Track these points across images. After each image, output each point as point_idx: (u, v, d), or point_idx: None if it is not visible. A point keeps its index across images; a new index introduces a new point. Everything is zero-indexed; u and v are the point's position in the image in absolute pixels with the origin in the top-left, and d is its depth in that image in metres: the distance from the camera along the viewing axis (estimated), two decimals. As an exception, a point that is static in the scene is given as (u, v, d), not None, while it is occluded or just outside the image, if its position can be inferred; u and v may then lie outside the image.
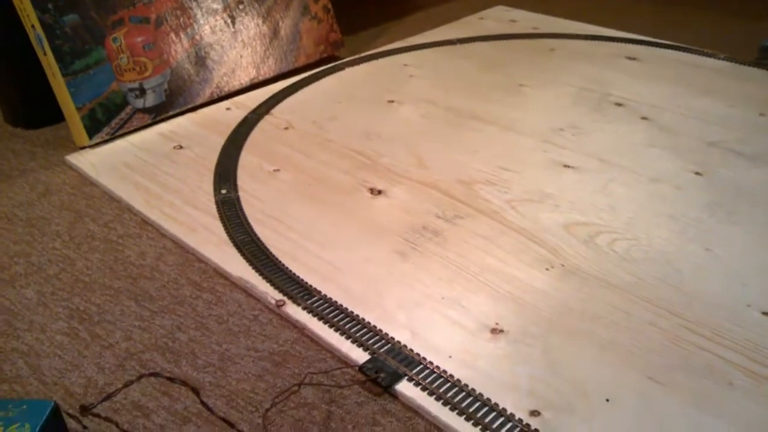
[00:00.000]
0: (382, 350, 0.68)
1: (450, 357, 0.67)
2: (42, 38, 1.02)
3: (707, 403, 0.62)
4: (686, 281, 0.77)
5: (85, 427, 0.61)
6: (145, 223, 0.91)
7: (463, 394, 0.63)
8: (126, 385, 0.63)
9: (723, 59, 1.39)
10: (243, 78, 1.26)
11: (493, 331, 0.71)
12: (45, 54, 1.03)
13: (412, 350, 0.68)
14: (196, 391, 0.62)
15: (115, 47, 1.09)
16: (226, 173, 1.00)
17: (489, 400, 0.62)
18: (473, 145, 1.07)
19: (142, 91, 1.13)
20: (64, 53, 1.04)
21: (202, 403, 0.61)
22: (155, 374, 0.65)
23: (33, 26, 1.02)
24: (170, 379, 0.64)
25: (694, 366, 0.66)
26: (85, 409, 0.59)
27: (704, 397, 0.63)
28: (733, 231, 0.86)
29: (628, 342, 0.69)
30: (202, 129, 1.13)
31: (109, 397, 0.61)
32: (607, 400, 0.63)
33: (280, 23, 1.33)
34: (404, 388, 0.64)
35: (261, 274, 0.79)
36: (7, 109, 1.20)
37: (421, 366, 0.66)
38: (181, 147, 1.08)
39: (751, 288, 0.77)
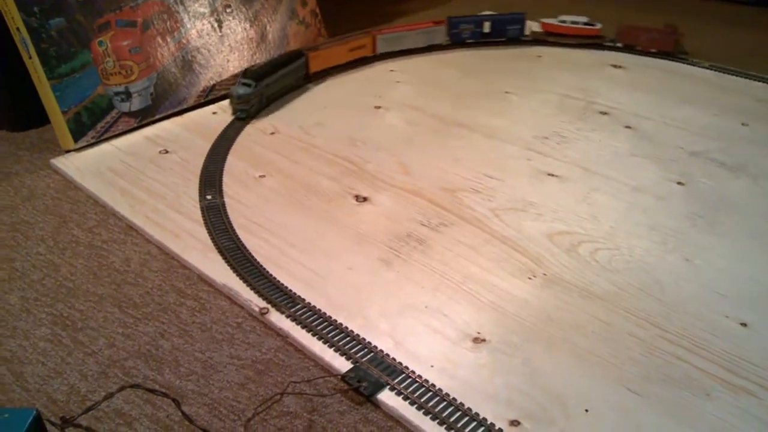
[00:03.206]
0: (364, 359, 0.69)
1: (432, 366, 0.68)
2: (27, 42, 1.02)
3: (685, 414, 0.63)
4: (666, 292, 0.78)
5: (67, 436, 0.61)
6: (130, 228, 0.91)
7: (444, 403, 0.64)
8: (106, 397, 0.63)
9: (707, 68, 1.40)
10: (230, 82, 1.26)
11: (475, 340, 0.71)
12: (30, 57, 1.03)
13: (394, 359, 0.69)
14: (177, 402, 0.62)
15: (101, 51, 1.09)
16: (211, 178, 1.00)
17: (469, 409, 0.63)
18: (458, 152, 1.08)
19: (128, 95, 1.12)
20: (50, 57, 1.04)
21: (183, 414, 0.61)
22: (136, 385, 0.65)
23: (18, 29, 1.01)
24: (151, 391, 0.64)
25: (673, 377, 0.67)
26: (65, 421, 0.59)
27: (682, 408, 0.64)
28: (714, 242, 0.87)
29: (607, 352, 0.70)
30: (188, 133, 1.13)
31: (89, 409, 0.61)
32: (586, 411, 0.63)
33: (268, 27, 1.33)
34: (386, 397, 0.65)
35: (245, 281, 0.80)
36: (-9, 111, 1.19)
37: (403, 375, 0.67)
38: (166, 151, 1.08)
39: (730, 299, 0.78)
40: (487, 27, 1.44)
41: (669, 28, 1.47)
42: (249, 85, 1.16)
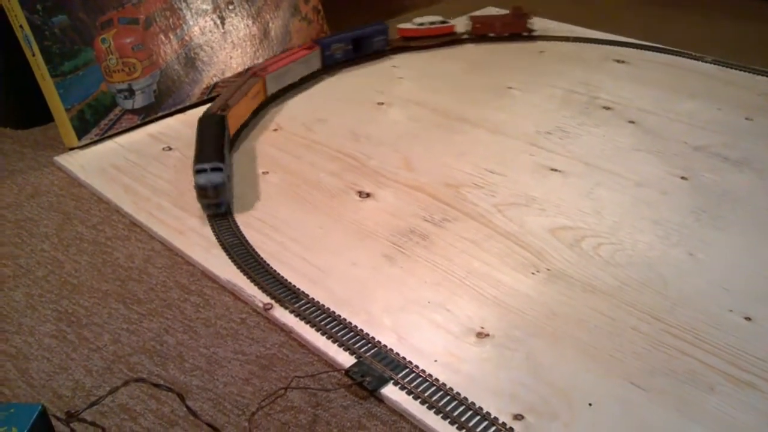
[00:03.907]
0: (368, 354, 0.69)
1: (435, 361, 0.68)
2: (30, 39, 1.02)
3: (689, 409, 0.63)
4: (669, 286, 0.78)
5: (73, 431, 0.61)
6: (134, 225, 0.92)
7: (448, 397, 0.64)
8: (111, 391, 0.64)
9: (710, 62, 1.40)
10: (233, 80, 1.26)
11: (479, 335, 0.71)
12: (34, 55, 1.03)
13: (398, 354, 0.69)
14: (181, 397, 0.62)
15: (104, 48, 1.09)
16: (214, 175, 1.00)
17: (473, 403, 0.63)
18: (461, 147, 1.08)
19: (131, 92, 1.13)
20: (53, 54, 1.04)
21: (188, 408, 0.62)
22: (141, 380, 0.66)
23: (21, 27, 1.02)
24: (156, 385, 0.64)
25: (676, 371, 0.67)
26: (71, 416, 0.60)
27: (686, 402, 0.64)
28: (717, 236, 0.87)
29: (611, 346, 0.70)
30: (192, 130, 1.12)
31: (94, 404, 0.62)
32: (590, 405, 0.63)
33: (270, 24, 1.33)
34: (390, 391, 0.65)
35: (249, 277, 0.80)
36: (-5, 109, 1.20)
37: (407, 370, 0.67)
38: (170, 148, 1.08)
39: (734, 293, 0.78)
40: (354, 44, 1.38)
41: (517, 11, 1.52)
42: (221, 169, 0.88)
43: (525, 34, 1.53)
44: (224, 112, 1.03)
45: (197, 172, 0.87)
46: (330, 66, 1.35)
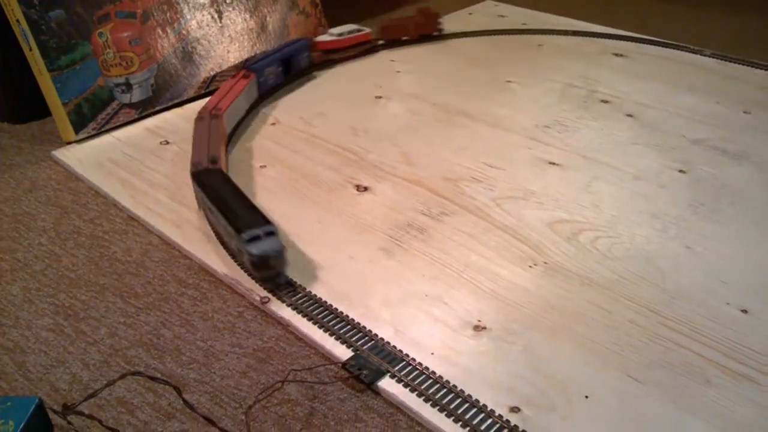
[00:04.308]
0: (365, 347, 0.69)
1: (432, 354, 0.68)
2: (27, 34, 1.02)
3: (685, 401, 0.63)
4: (667, 279, 0.78)
5: (69, 423, 0.61)
6: (131, 219, 0.91)
7: (445, 390, 0.64)
8: (108, 384, 0.64)
9: (709, 56, 1.40)
10: (230, 73, 1.26)
11: (476, 328, 0.72)
12: (31, 50, 1.03)
13: (395, 347, 0.69)
14: (178, 390, 0.62)
15: (101, 42, 1.09)
16: (212, 169, 0.99)
17: (470, 396, 0.63)
18: (459, 141, 1.08)
19: (129, 86, 1.12)
20: (50, 49, 1.04)
21: (184, 401, 0.62)
22: (138, 373, 0.66)
23: (18, 21, 1.01)
24: (153, 378, 0.64)
25: (673, 363, 0.67)
26: (67, 408, 0.60)
27: (682, 395, 0.64)
28: (715, 229, 0.87)
29: (608, 339, 0.70)
30: (189, 124, 1.13)
31: (90, 396, 0.62)
32: (587, 397, 0.63)
33: (268, 18, 1.33)
34: (386, 384, 0.65)
35: (246, 270, 0.80)
36: (-7, 104, 1.19)
37: (404, 363, 0.67)
38: (167, 142, 1.08)
39: (731, 286, 0.78)
40: (284, 65, 1.26)
41: (426, 11, 1.49)
42: (275, 233, 0.77)
43: (436, 33, 1.49)
44: (216, 164, 0.90)
45: (249, 241, 0.75)
46: (264, 95, 1.22)
